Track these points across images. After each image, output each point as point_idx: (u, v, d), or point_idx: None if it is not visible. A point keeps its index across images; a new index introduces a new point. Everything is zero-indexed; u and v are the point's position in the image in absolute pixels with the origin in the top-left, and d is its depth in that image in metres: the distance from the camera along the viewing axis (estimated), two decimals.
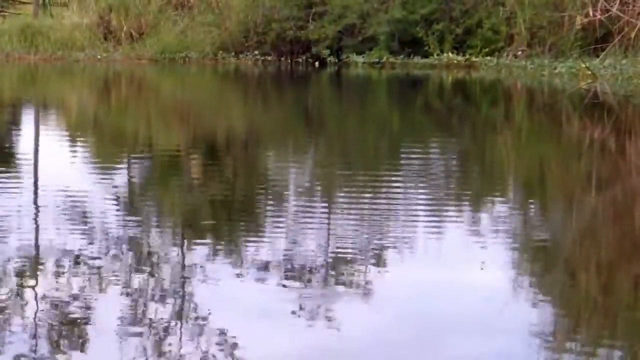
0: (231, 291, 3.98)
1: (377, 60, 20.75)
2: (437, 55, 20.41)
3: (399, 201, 6.02)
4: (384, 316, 3.61)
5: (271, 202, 6.06)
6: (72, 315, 3.61)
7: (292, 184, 6.89)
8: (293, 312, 3.63)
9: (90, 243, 4.82)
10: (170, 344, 3.33)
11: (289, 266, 4.34)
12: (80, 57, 22.59)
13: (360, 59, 20.89)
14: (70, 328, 3.47)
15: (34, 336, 3.39)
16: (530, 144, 9.86)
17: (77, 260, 4.47)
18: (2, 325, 3.49)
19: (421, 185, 6.72)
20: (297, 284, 4.06)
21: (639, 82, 15.35)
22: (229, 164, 8.05)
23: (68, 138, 10.29)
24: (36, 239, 4.96)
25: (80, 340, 3.38)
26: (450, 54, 20.29)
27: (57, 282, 4.09)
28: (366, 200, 6.05)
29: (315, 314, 3.61)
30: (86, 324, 3.52)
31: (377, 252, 4.62)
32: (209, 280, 4.12)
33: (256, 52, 21.71)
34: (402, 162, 7.97)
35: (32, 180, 7.09)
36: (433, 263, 4.47)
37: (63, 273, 4.22)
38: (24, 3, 27.99)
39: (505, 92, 16.09)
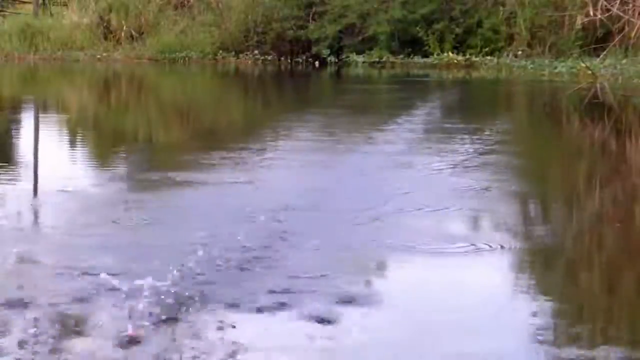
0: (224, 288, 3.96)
1: (377, 60, 20.79)
2: (437, 55, 20.44)
3: (396, 196, 6.00)
4: (382, 316, 3.59)
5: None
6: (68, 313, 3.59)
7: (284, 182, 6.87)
8: (288, 312, 3.60)
9: (87, 238, 4.80)
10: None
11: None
12: (80, 56, 22.62)
13: (360, 59, 20.93)
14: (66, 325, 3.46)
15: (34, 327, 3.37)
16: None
17: (75, 258, 4.46)
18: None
19: (417, 178, 6.69)
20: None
21: (639, 82, 15.35)
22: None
23: (65, 136, 10.29)
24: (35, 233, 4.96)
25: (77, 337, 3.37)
26: (451, 54, 20.32)
27: (54, 282, 4.07)
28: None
29: (310, 313, 3.58)
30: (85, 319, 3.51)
31: (376, 249, 4.60)
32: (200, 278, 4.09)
33: (256, 52, 21.74)
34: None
35: (31, 176, 7.09)
36: (432, 262, 4.45)
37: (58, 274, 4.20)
38: (24, 3, 28.00)
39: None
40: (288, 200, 5.54)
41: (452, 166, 7.19)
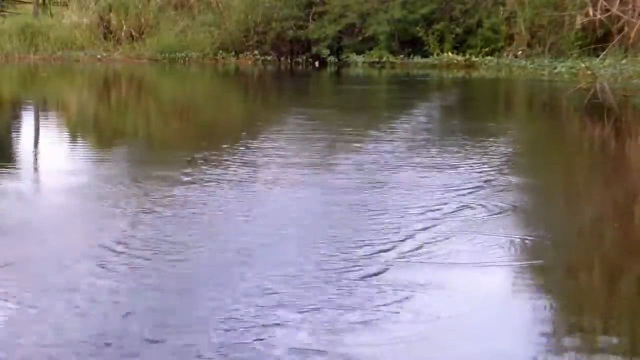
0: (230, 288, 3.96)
1: (377, 60, 20.80)
2: (437, 55, 20.46)
3: (398, 195, 6.00)
4: (382, 317, 3.59)
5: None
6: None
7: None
8: (282, 311, 3.60)
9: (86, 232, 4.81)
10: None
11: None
12: (80, 56, 22.64)
13: (360, 59, 20.95)
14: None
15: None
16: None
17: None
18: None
19: (426, 173, 6.70)
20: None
21: (639, 82, 15.35)
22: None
23: (64, 135, 10.30)
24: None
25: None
26: (450, 54, 20.35)
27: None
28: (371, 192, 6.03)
29: (307, 313, 3.58)
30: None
31: (376, 247, 4.60)
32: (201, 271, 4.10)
33: (256, 51, 21.76)
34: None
35: (31, 174, 7.10)
36: (431, 261, 4.45)
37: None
38: (24, 2, 28.03)
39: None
40: (289, 203, 5.54)
41: (470, 166, 7.20)
